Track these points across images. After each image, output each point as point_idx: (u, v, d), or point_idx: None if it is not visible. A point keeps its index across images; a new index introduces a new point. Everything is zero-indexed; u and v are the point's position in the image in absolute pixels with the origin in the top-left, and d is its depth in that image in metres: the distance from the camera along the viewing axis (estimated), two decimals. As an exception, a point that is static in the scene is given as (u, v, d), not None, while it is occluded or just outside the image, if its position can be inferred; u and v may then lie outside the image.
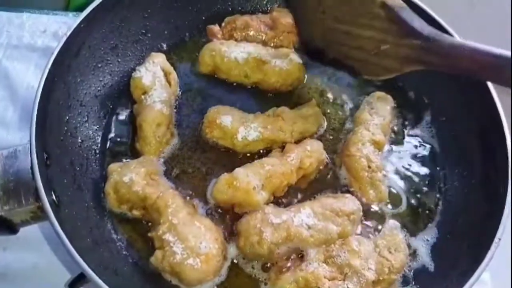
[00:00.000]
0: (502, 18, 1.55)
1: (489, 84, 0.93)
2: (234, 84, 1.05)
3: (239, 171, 0.88)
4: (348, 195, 0.91)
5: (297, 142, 0.96)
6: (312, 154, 0.92)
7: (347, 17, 0.86)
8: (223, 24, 1.10)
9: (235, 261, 0.85)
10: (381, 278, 0.82)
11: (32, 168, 0.75)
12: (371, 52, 0.85)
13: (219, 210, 0.89)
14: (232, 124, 0.94)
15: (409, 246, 0.89)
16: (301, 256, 0.84)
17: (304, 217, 0.84)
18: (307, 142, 0.93)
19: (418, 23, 0.80)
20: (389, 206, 0.94)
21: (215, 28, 1.09)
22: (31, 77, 1.22)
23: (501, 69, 0.72)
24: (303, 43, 1.05)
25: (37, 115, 0.79)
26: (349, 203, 0.88)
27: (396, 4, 0.81)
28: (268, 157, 0.92)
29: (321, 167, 0.96)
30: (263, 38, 1.09)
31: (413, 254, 0.89)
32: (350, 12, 0.85)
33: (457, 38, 0.80)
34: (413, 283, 0.86)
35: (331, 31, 0.91)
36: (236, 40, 1.08)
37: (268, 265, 0.84)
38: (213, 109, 0.97)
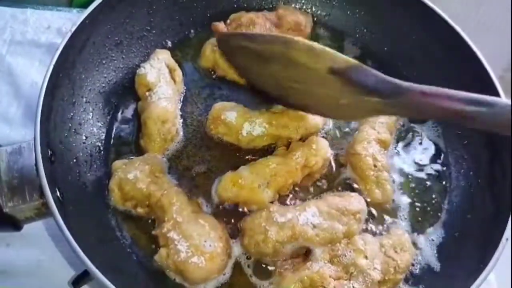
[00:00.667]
0: (507, 16, 1.54)
1: (496, 83, 0.92)
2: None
3: (244, 169, 0.87)
4: (353, 194, 0.90)
5: (302, 138, 0.95)
6: (317, 152, 0.91)
7: (298, 78, 0.80)
8: (228, 21, 1.09)
9: (239, 259, 0.84)
10: (386, 278, 0.81)
11: (36, 164, 0.74)
12: (331, 106, 0.81)
13: (223, 208, 0.89)
14: (237, 120, 0.93)
15: (414, 245, 0.88)
16: (306, 255, 0.83)
17: (309, 216, 0.83)
18: (312, 140, 0.93)
19: (373, 80, 0.72)
20: (394, 205, 0.93)
21: (220, 25, 1.08)
22: (35, 74, 1.21)
23: (468, 118, 0.68)
24: (250, 87, 1.00)
25: (41, 112, 0.78)
26: (355, 202, 0.87)
27: (345, 65, 0.73)
28: (273, 155, 0.91)
29: (326, 166, 0.95)
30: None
31: (419, 253, 0.88)
32: (299, 75, 0.79)
33: (416, 85, 0.71)
34: (419, 283, 0.85)
35: (282, 88, 0.86)
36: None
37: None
38: (217, 105, 0.96)
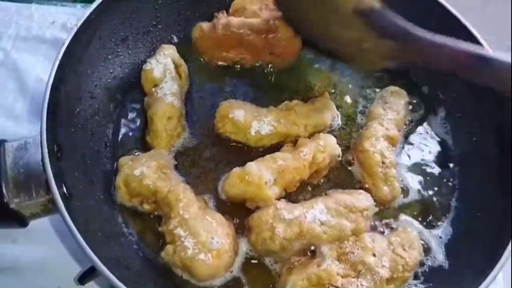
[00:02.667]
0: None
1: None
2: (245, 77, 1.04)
3: (251, 165, 0.86)
4: (361, 191, 0.89)
5: (311, 136, 0.94)
6: (325, 149, 0.90)
7: (326, 19, 0.84)
8: (230, 11, 1.08)
9: (246, 256, 0.84)
10: (394, 276, 0.80)
11: (42, 160, 0.74)
12: (356, 49, 0.85)
13: (230, 204, 0.88)
14: (245, 119, 0.92)
15: (422, 243, 0.87)
16: (313, 252, 0.83)
17: (317, 213, 0.82)
18: (320, 136, 0.92)
19: (392, 26, 0.79)
20: (402, 202, 0.92)
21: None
22: (40, 69, 1.21)
23: (481, 70, 0.72)
24: (294, 30, 1.02)
25: (47, 107, 0.78)
26: (363, 199, 0.86)
27: (368, 7, 0.79)
28: (280, 152, 0.90)
29: (334, 163, 0.94)
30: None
31: (427, 251, 0.88)
32: (326, 16, 0.84)
33: (429, 34, 0.77)
34: (427, 281, 0.85)
35: (316, 28, 0.89)
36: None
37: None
38: (225, 103, 0.95)
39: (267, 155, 0.89)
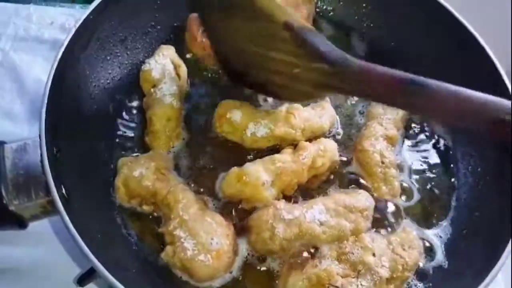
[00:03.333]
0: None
1: (505, 77, 0.91)
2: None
3: (249, 166, 0.86)
4: (361, 191, 0.89)
5: (308, 140, 0.93)
6: (325, 154, 0.89)
7: (258, 38, 0.80)
8: None
9: (246, 257, 0.84)
10: (394, 276, 0.80)
11: (42, 161, 0.74)
12: (287, 76, 0.80)
13: (229, 205, 0.88)
14: (242, 120, 0.92)
15: (422, 243, 0.87)
16: (313, 253, 0.83)
17: (316, 213, 0.82)
18: (321, 141, 0.91)
19: (325, 47, 0.74)
20: (402, 202, 0.92)
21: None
22: (39, 70, 1.20)
23: (414, 97, 0.67)
24: (221, 64, 0.97)
25: (46, 108, 0.78)
26: (362, 199, 0.86)
27: (301, 26, 0.75)
28: (280, 154, 0.90)
29: (333, 168, 0.94)
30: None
31: (426, 251, 0.87)
32: (259, 33, 0.79)
33: (364, 63, 0.72)
34: (426, 280, 0.85)
35: (246, 53, 0.84)
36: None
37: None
38: (223, 103, 0.95)
39: (266, 157, 0.89)
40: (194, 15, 1.03)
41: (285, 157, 0.88)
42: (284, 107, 0.96)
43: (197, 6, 0.91)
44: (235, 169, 0.87)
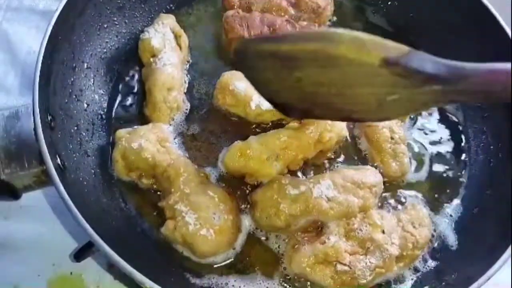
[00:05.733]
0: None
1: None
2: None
3: (253, 140, 0.83)
4: (369, 167, 0.86)
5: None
6: (332, 128, 0.86)
7: (336, 80, 0.66)
8: None
9: (249, 232, 0.80)
10: (404, 254, 0.78)
11: (35, 129, 0.70)
12: (373, 106, 0.68)
13: (232, 178, 0.84)
14: (246, 91, 0.88)
15: (432, 221, 0.84)
16: (320, 229, 0.79)
17: (323, 188, 0.79)
18: None
19: (431, 65, 0.61)
20: (411, 179, 0.89)
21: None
22: (32, 41, 1.16)
23: None
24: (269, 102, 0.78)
25: (40, 74, 0.73)
26: (371, 175, 0.83)
27: (399, 53, 0.61)
28: (285, 128, 0.86)
29: (340, 143, 0.90)
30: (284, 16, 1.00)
31: (437, 229, 0.85)
32: (340, 76, 0.65)
33: (482, 65, 0.60)
34: (436, 259, 0.82)
35: (313, 94, 0.70)
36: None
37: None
38: (226, 73, 0.91)
39: (271, 131, 0.85)
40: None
41: (291, 131, 0.85)
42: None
43: (241, 63, 0.75)
44: (238, 143, 0.83)
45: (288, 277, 0.78)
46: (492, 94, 0.60)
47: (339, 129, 0.87)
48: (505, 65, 0.59)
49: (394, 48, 0.61)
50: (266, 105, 0.87)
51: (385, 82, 0.63)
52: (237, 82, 0.89)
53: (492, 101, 0.69)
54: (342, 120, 0.84)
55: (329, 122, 0.86)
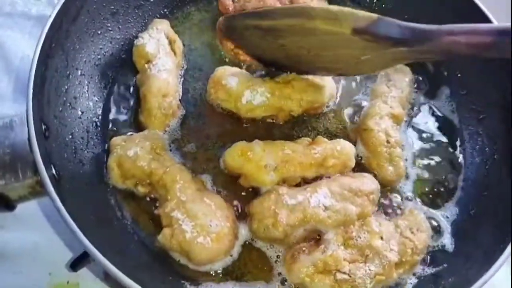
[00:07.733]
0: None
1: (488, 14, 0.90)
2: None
3: (257, 144, 0.83)
4: (366, 174, 0.85)
5: (305, 112, 0.91)
6: (340, 156, 0.84)
7: (316, 45, 0.77)
8: None
9: (247, 240, 0.80)
10: (403, 260, 0.77)
11: (29, 139, 0.69)
12: (350, 63, 0.78)
13: (229, 186, 0.84)
14: (238, 87, 0.88)
15: (429, 225, 0.84)
16: (318, 239, 0.79)
17: (321, 197, 0.78)
18: (339, 142, 0.86)
19: (398, 30, 0.70)
20: (407, 183, 0.89)
21: (227, 1, 1.01)
22: (26, 47, 1.15)
23: (495, 49, 0.65)
24: (256, 60, 0.92)
25: (34, 83, 0.73)
26: (368, 182, 0.83)
27: (367, 21, 0.71)
28: (294, 142, 0.85)
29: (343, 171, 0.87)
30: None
31: (434, 233, 0.84)
32: (319, 42, 0.76)
33: (443, 26, 0.68)
34: (434, 264, 0.82)
35: (296, 56, 0.82)
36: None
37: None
38: (220, 68, 0.91)
39: (278, 141, 0.84)
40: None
41: (297, 146, 0.84)
42: (282, 76, 0.91)
43: (231, 34, 0.87)
44: (242, 143, 0.83)
45: (286, 284, 0.77)
46: (453, 52, 0.68)
47: (347, 158, 0.85)
48: (463, 26, 0.67)
49: (364, 17, 0.72)
50: (257, 100, 0.88)
51: (358, 46, 0.73)
52: (230, 78, 0.89)
53: (452, 57, 0.79)
54: (329, 75, 0.92)
55: (338, 148, 0.85)
